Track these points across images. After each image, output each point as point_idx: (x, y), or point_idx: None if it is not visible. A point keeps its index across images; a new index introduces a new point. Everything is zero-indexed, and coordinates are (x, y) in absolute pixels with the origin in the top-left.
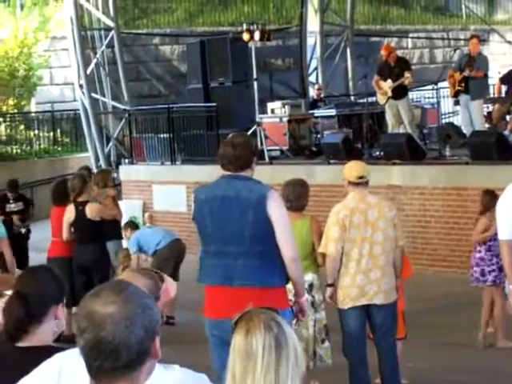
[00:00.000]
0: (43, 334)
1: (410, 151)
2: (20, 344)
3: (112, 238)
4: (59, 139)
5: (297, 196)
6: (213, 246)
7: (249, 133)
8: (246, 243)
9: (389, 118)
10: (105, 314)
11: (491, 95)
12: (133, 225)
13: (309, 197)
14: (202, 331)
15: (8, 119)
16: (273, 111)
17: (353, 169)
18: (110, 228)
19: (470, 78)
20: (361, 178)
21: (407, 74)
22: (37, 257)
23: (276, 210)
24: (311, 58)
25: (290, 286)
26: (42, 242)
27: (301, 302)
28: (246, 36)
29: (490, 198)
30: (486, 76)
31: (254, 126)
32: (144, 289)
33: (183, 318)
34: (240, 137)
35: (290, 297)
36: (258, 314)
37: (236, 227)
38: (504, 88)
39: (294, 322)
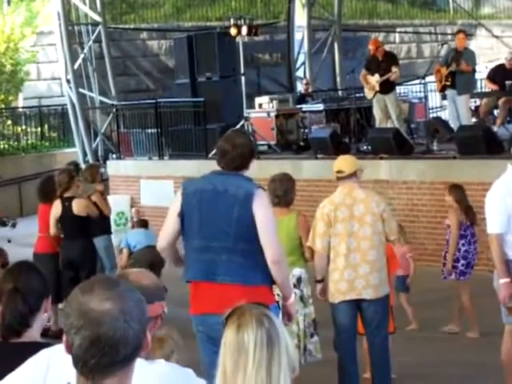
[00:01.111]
0: (35, 328)
1: (398, 146)
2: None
3: (101, 233)
4: (47, 134)
5: (284, 191)
6: (197, 240)
7: (236, 127)
8: (231, 239)
9: (376, 112)
10: (102, 310)
11: (478, 90)
12: (141, 222)
13: (295, 191)
14: (191, 326)
15: None
16: (260, 106)
17: (335, 164)
18: (99, 223)
19: (457, 72)
20: (339, 172)
21: (395, 69)
22: (24, 252)
23: (261, 209)
24: (299, 53)
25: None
26: (29, 237)
27: (287, 306)
28: (233, 31)
29: (460, 191)
30: (473, 71)
31: (242, 121)
32: (152, 284)
33: (173, 314)
34: (242, 137)
35: (278, 299)
36: (250, 309)
37: (222, 222)
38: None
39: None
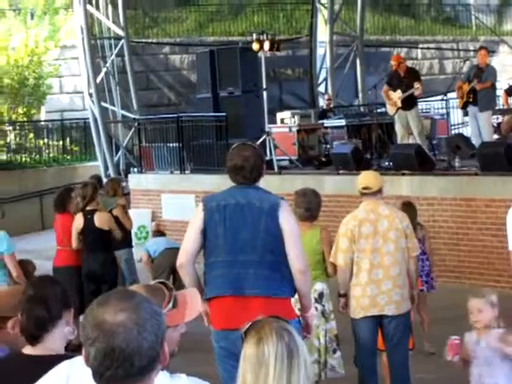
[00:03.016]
0: (56, 339)
1: (420, 162)
2: (32, 352)
3: (122, 246)
4: (68, 148)
5: (316, 205)
6: (222, 255)
7: (258, 142)
8: (258, 252)
9: (398, 128)
10: (116, 322)
11: (499, 106)
12: (157, 232)
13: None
14: (210, 340)
15: (17, 128)
16: (282, 121)
17: (359, 180)
18: (121, 237)
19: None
20: (365, 188)
21: (417, 85)
22: (45, 265)
23: (287, 220)
24: (321, 68)
25: (294, 300)
26: (50, 250)
27: (307, 317)
28: (255, 46)
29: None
30: (493, 87)
31: (264, 136)
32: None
33: (191, 327)
34: (247, 149)
35: (296, 311)
36: (270, 323)
37: (248, 235)
38: (511, 100)
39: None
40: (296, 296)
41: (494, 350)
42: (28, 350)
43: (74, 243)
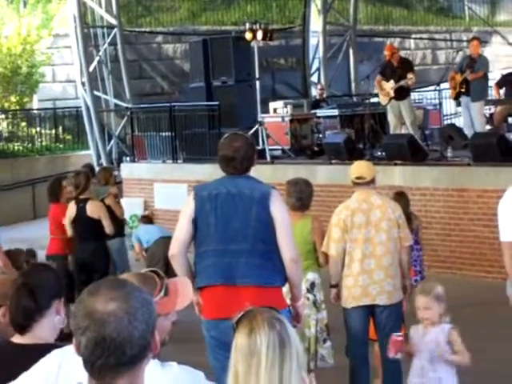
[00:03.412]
0: (45, 328)
1: (412, 152)
2: (21, 340)
3: (114, 235)
4: (61, 136)
5: (308, 195)
6: (213, 244)
7: (251, 132)
8: (250, 241)
9: (391, 118)
10: (107, 311)
11: (491, 97)
12: (146, 219)
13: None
14: (201, 329)
15: (10, 116)
16: (275, 111)
17: (352, 169)
18: (112, 226)
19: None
20: (358, 178)
21: (410, 75)
22: (38, 254)
23: (279, 209)
24: (314, 58)
25: (285, 290)
26: (43, 239)
27: (297, 306)
28: (248, 35)
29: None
30: (486, 77)
31: (256, 126)
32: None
33: (182, 316)
34: (238, 139)
35: (287, 300)
36: (262, 313)
37: (240, 224)
38: (502, 91)
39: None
40: (287, 286)
41: (437, 345)
42: (17, 338)
43: (69, 232)
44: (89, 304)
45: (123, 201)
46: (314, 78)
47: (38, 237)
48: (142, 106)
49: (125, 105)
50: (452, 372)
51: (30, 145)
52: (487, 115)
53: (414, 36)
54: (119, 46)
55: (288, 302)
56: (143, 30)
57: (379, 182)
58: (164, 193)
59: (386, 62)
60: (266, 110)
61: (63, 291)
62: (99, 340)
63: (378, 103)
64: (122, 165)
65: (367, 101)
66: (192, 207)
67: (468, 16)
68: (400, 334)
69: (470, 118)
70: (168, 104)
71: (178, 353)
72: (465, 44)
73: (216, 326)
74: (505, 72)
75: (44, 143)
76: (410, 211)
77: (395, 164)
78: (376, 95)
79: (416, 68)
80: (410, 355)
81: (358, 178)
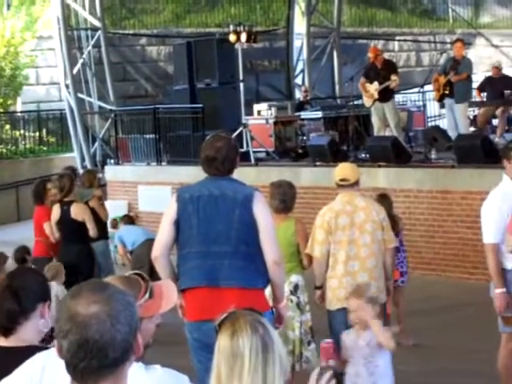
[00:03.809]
0: (29, 331)
1: (396, 154)
2: (5, 343)
3: (98, 238)
4: (45, 139)
5: (291, 197)
6: (195, 246)
7: (235, 134)
8: (232, 243)
9: (375, 120)
10: (88, 314)
11: (475, 99)
12: (127, 219)
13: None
14: (185, 332)
15: None
16: (259, 113)
17: (336, 171)
18: (97, 228)
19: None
20: (342, 180)
21: (394, 77)
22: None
23: (262, 211)
24: (298, 60)
25: (269, 291)
26: (26, 241)
27: (279, 308)
28: (232, 37)
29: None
30: (469, 79)
31: (240, 128)
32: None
33: (166, 318)
34: (220, 140)
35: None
36: (244, 316)
37: (222, 226)
38: (484, 95)
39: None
40: (269, 288)
41: (372, 348)
42: (1, 341)
43: (55, 234)
44: (71, 307)
45: (107, 203)
46: (298, 80)
47: (22, 239)
48: (126, 108)
49: (109, 107)
50: (389, 374)
51: (14, 147)
52: (471, 117)
53: (397, 38)
54: (103, 49)
55: (271, 303)
56: (127, 32)
57: (363, 183)
58: (148, 195)
59: (369, 64)
60: (250, 112)
61: (49, 294)
62: (82, 342)
63: (362, 105)
64: (106, 167)
65: (351, 103)
66: (174, 209)
67: (452, 18)
68: (329, 340)
69: (453, 119)
70: (152, 106)
71: (162, 356)
72: (448, 46)
73: (198, 327)
74: (487, 75)
75: (28, 146)
76: (394, 213)
77: (379, 166)
78: (360, 97)
79: (400, 70)
80: (343, 362)
81: (342, 180)
